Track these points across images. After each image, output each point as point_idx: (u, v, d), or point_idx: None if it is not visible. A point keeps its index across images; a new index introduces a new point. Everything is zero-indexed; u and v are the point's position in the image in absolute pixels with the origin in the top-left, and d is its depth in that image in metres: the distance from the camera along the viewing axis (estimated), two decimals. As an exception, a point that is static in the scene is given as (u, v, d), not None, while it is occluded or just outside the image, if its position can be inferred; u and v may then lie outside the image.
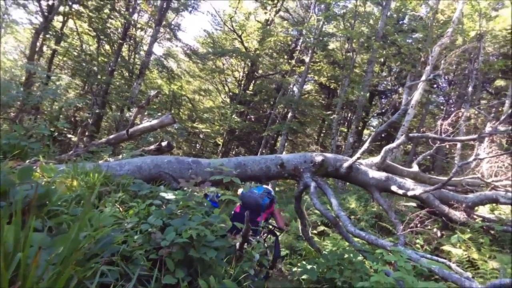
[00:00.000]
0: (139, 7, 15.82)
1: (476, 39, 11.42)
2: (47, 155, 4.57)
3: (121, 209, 2.67)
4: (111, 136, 6.99)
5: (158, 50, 33.01)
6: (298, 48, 17.90)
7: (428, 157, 8.99)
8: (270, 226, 4.53)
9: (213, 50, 18.49)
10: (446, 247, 4.28)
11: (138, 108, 6.87)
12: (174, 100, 19.14)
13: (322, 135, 21.37)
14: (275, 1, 17.55)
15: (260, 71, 20.21)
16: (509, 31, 11.31)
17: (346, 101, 16.54)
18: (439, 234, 4.81)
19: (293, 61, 17.22)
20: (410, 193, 4.02)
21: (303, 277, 3.73)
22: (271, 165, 4.43)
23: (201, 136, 21.34)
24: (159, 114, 9.51)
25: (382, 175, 4.48)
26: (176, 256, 2.14)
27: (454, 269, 2.77)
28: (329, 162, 4.57)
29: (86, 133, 12.09)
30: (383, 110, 18.79)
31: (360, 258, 3.62)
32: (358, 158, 4.49)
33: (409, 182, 4.46)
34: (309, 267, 3.63)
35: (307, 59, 15.34)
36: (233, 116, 17.31)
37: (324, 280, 3.55)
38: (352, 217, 6.40)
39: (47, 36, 13.20)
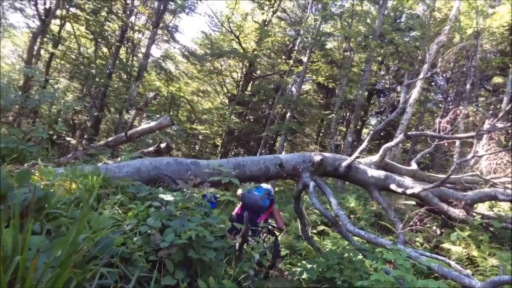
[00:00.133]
0: (136, 9, 15.81)
1: (473, 36, 11.43)
2: (46, 158, 4.57)
3: (120, 211, 2.67)
4: (110, 139, 7.00)
5: (156, 52, 33.06)
6: (296, 48, 17.88)
7: (427, 155, 9.00)
8: (270, 227, 4.53)
9: (211, 51, 18.50)
10: (446, 245, 4.29)
11: (136, 110, 6.88)
12: (172, 102, 19.14)
13: (321, 134, 21.38)
14: (272, 2, 17.55)
15: (258, 72, 20.21)
16: (506, 28, 11.35)
17: (344, 100, 16.55)
18: (438, 232, 4.82)
19: (291, 61, 17.21)
20: (409, 191, 4.02)
21: (303, 276, 3.73)
22: (270, 165, 4.43)
23: (200, 137, 21.33)
24: (158, 116, 9.49)
25: (381, 173, 4.48)
26: (175, 257, 2.15)
27: (453, 266, 2.77)
28: (328, 161, 4.57)
29: (85, 136, 12.08)
30: (382, 109, 18.81)
31: (360, 257, 3.62)
32: (357, 157, 4.50)
33: (408, 181, 4.46)
34: (309, 266, 3.63)
35: (305, 59, 15.35)
36: (232, 117, 17.30)
37: (324, 280, 3.55)
38: (352, 216, 6.40)
39: (45, 39, 13.19)
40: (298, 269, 3.76)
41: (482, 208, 4.89)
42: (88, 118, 13.78)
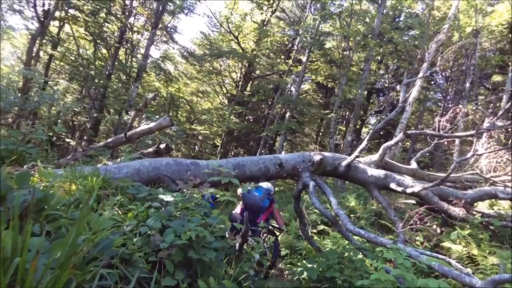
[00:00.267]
0: (135, 10, 15.82)
1: (473, 35, 11.45)
2: (45, 160, 4.57)
3: (120, 212, 2.66)
4: (109, 140, 6.99)
5: (155, 53, 33.11)
6: (295, 47, 17.89)
7: (427, 154, 9.00)
8: (270, 227, 4.53)
9: (210, 51, 18.48)
10: (446, 244, 4.29)
11: (136, 111, 6.88)
12: (172, 103, 19.13)
13: (320, 134, 21.38)
14: (271, 1, 17.54)
15: (257, 72, 20.19)
16: (505, 26, 11.35)
17: (343, 99, 16.57)
18: (438, 230, 4.82)
19: (290, 61, 17.21)
20: (409, 190, 4.02)
21: (303, 276, 3.73)
22: (269, 165, 4.43)
23: (199, 137, 21.32)
24: (157, 116, 9.50)
25: (380, 173, 4.48)
26: (175, 258, 2.14)
27: (454, 265, 2.77)
28: (328, 161, 4.57)
29: (84, 137, 12.08)
30: (381, 108, 18.81)
31: (360, 256, 3.62)
32: (357, 157, 4.50)
33: (408, 179, 4.46)
34: (309, 266, 3.63)
35: (304, 59, 15.35)
36: (231, 117, 17.31)
37: (324, 279, 3.55)
38: (352, 215, 6.40)
39: (44, 41, 13.19)
40: (298, 269, 3.75)
41: (482, 206, 4.89)
42: (88, 119, 13.79)
